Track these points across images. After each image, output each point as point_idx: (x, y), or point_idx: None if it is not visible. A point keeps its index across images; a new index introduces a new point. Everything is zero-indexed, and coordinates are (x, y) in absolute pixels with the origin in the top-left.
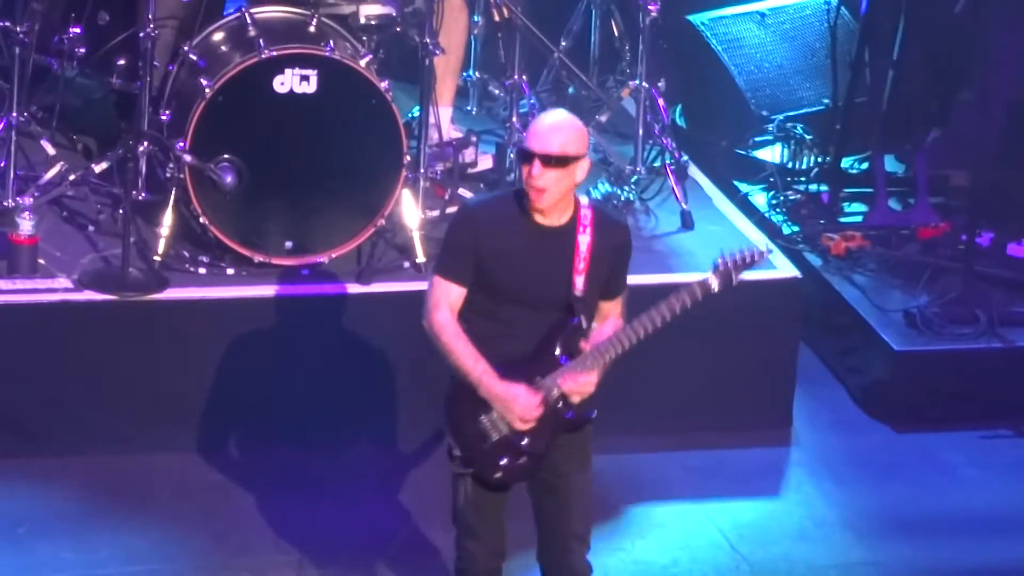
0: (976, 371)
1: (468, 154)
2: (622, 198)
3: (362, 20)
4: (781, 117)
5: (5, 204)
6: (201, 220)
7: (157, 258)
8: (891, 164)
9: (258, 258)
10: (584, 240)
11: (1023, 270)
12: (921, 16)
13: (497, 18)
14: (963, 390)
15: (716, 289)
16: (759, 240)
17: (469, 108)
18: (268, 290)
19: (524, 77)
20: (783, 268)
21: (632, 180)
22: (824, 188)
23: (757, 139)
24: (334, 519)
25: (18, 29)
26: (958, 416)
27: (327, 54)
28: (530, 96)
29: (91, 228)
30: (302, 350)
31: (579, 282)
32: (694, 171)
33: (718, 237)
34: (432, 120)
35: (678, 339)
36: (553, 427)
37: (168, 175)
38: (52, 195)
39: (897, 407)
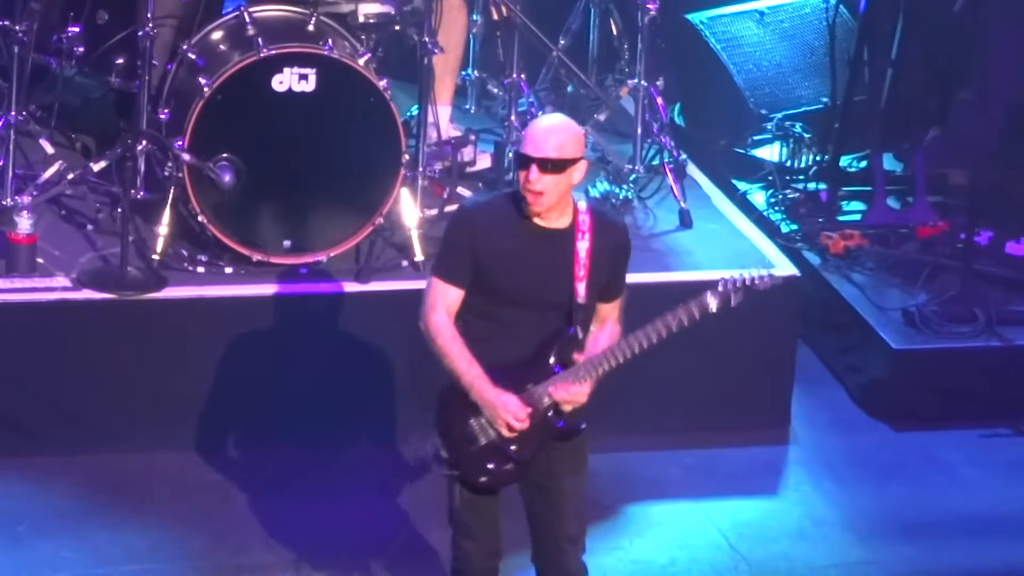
0: (975, 370)
1: (467, 153)
2: (621, 197)
3: (361, 19)
4: (780, 116)
5: (4, 203)
6: (200, 219)
7: (156, 257)
8: (890, 163)
9: (257, 257)
10: (583, 246)
11: (1022, 269)
12: (920, 15)
13: (496, 17)
14: (962, 389)
15: (714, 310)
16: (760, 242)
17: (468, 107)
18: (267, 289)
19: (523, 76)
20: (782, 267)
21: (631, 179)
22: (823, 187)
23: (756, 138)
24: (332, 518)
25: (17, 28)
26: (957, 415)
27: (326, 53)
28: (529, 95)
29: (90, 227)
30: (301, 349)
31: (581, 289)
32: (693, 170)
33: (717, 236)
34: (431, 119)
35: (676, 338)
36: (542, 436)
37: (167, 174)
38: (51, 194)
39: (896, 406)
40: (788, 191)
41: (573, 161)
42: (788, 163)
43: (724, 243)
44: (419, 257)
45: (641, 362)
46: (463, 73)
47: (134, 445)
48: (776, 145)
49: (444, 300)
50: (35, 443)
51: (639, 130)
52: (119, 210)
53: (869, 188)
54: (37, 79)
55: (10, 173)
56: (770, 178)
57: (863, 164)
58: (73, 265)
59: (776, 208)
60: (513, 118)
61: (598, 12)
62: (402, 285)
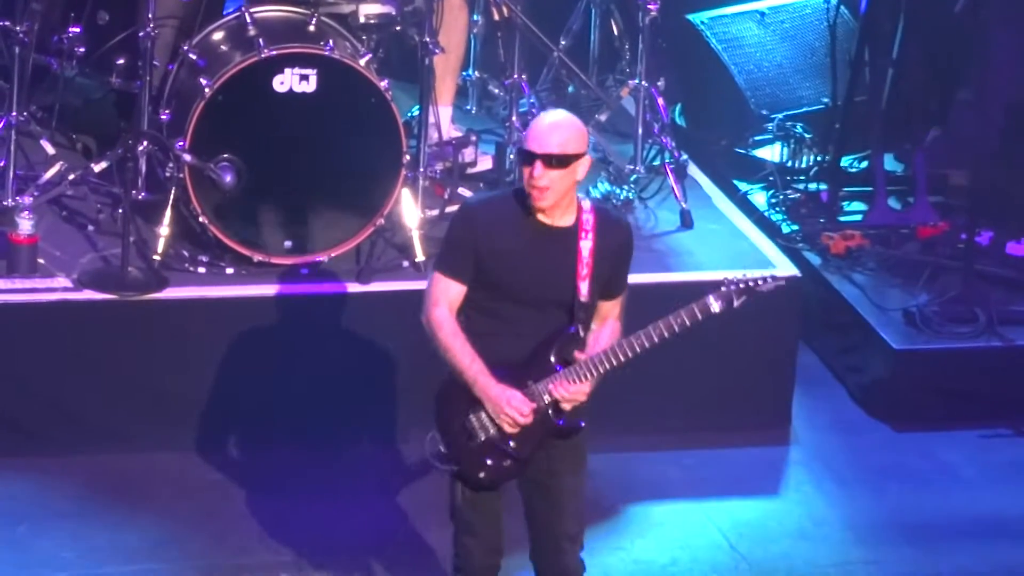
0: (975, 370)
1: (468, 153)
2: (621, 197)
3: (362, 19)
4: (780, 116)
5: (5, 203)
6: (200, 219)
7: (157, 257)
8: (890, 163)
9: (257, 257)
10: (586, 245)
11: (1022, 269)
12: (921, 15)
13: (497, 17)
14: (962, 389)
15: (717, 311)
16: (761, 242)
17: (469, 107)
18: (267, 289)
19: (524, 76)
20: (782, 267)
21: (631, 179)
22: (823, 187)
23: (757, 138)
24: (333, 518)
25: (18, 28)
26: (957, 415)
27: (327, 53)
28: (530, 95)
29: (90, 227)
30: (302, 349)
31: (583, 288)
32: (693, 170)
33: (717, 236)
34: (432, 119)
35: (677, 338)
36: (542, 433)
37: (168, 174)
38: (52, 194)
39: (896, 406)
40: (789, 191)
41: (577, 157)
42: (789, 163)
43: (725, 243)
44: (420, 258)
45: (642, 362)
46: (464, 74)
47: (134, 445)
48: (777, 145)
49: (446, 295)
50: (35, 443)
51: (640, 130)
52: (120, 211)
53: (870, 188)
54: (38, 80)
55: (11, 174)
56: (771, 178)
57: (864, 164)
58: (74, 266)
59: (777, 208)
60: (514, 119)
61: (599, 12)
62: (403, 286)
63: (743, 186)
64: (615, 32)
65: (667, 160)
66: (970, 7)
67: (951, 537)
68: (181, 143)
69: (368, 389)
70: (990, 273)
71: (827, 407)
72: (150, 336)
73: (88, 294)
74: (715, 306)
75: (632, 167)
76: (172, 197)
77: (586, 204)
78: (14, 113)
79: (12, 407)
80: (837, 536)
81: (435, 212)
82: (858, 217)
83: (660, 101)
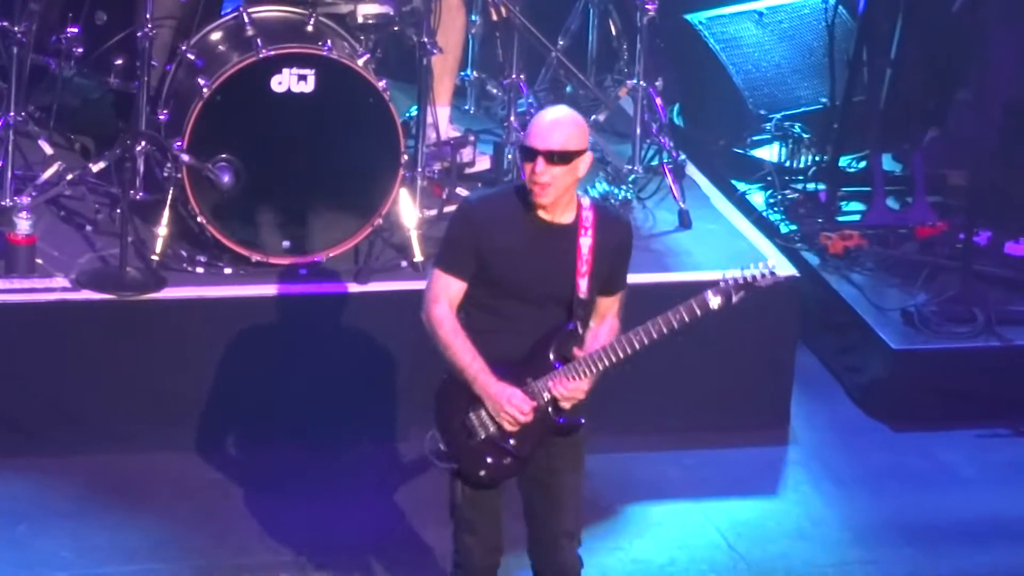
0: (974, 370)
1: (466, 153)
2: (620, 197)
3: (360, 19)
4: (779, 116)
5: (3, 204)
6: (199, 219)
7: (155, 257)
8: (889, 163)
9: (256, 257)
10: (586, 242)
11: (1021, 269)
12: (919, 15)
13: (495, 17)
14: (961, 389)
15: (715, 307)
16: (760, 242)
17: (467, 107)
18: (266, 289)
19: (522, 76)
20: (781, 267)
21: (630, 179)
22: (822, 187)
23: (755, 138)
24: (332, 518)
25: (16, 29)
26: (956, 415)
27: (325, 53)
28: (528, 95)
29: (89, 228)
30: (300, 349)
31: (583, 285)
32: (692, 170)
33: (716, 236)
34: (430, 119)
35: (676, 338)
36: (541, 431)
37: (166, 175)
38: (50, 195)
39: (895, 406)
40: (787, 191)
41: (579, 153)
42: (787, 163)
43: (723, 243)
44: (418, 258)
45: (641, 362)
46: (462, 74)
47: (134, 445)
48: (775, 145)
49: (447, 292)
50: (35, 443)
51: (638, 130)
52: (118, 211)
53: (868, 188)
54: (36, 80)
55: (9, 174)
56: (769, 178)
57: (862, 164)
58: (72, 266)
59: (775, 208)
60: (512, 119)
61: (597, 12)
62: (401, 286)
63: (741, 186)
64: (613, 32)
65: (665, 160)
66: (968, 6)
67: (950, 537)
68: (179, 143)
69: (367, 389)
70: (988, 273)
71: (826, 407)
72: (149, 336)
73: (86, 294)
74: (714, 302)
75: (630, 167)
76: (170, 197)
77: (585, 201)
78: (12, 113)
79: (11, 407)
80: (835, 536)
81: (433, 212)
82: (856, 217)
83: (658, 101)
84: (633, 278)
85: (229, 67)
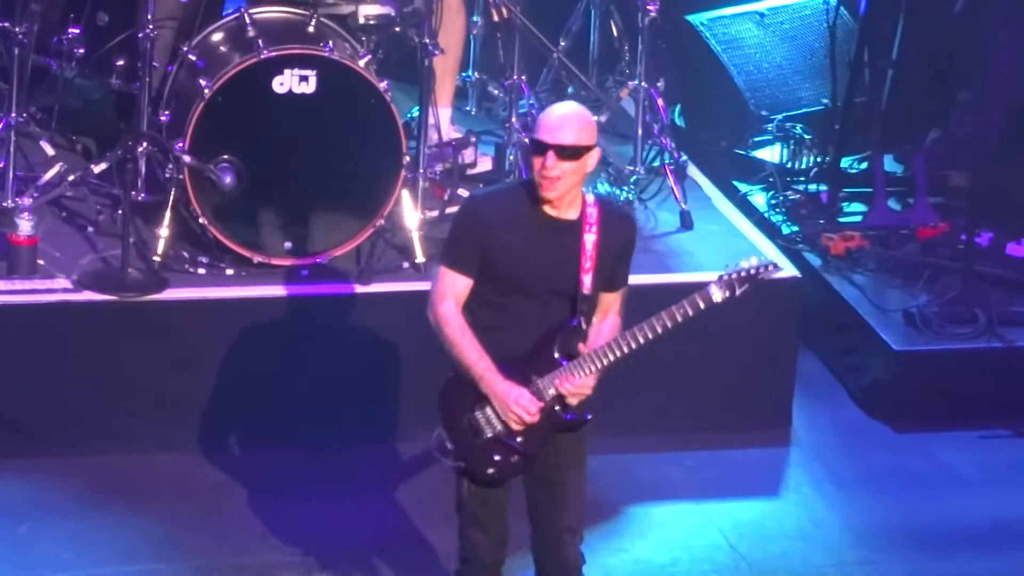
0: (975, 371)
1: (467, 154)
2: (621, 198)
3: (361, 20)
4: (780, 117)
5: (5, 205)
6: (200, 221)
7: (156, 258)
8: (890, 164)
9: (257, 258)
10: (590, 239)
11: (1022, 270)
12: (920, 16)
13: (496, 18)
14: (962, 390)
15: (718, 300)
16: (761, 243)
17: (468, 108)
18: (267, 290)
19: (523, 77)
20: (782, 268)
21: (631, 180)
22: (823, 188)
23: (756, 139)
24: (334, 518)
25: (17, 30)
26: (957, 416)
27: (326, 54)
28: (529, 96)
29: (90, 229)
30: (302, 350)
31: (587, 281)
32: (693, 171)
33: (717, 237)
34: (431, 120)
35: (677, 338)
36: (548, 428)
37: (167, 176)
38: (51, 196)
39: (896, 407)
40: (789, 192)
41: (588, 148)
42: (789, 164)
43: (725, 244)
44: (420, 259)
45: (642, 362)
46: (463, 75)
47: (135, 446)
48: (777, 146)
49: (453, 289)
50: (36, 444)
51: (640, 131)
52: (120, 212)
53: (870, 189)
54: (37, 81)
55: (11, 175)
56: (771, 179)
57: (864, 165)
58: (74, 267)
59: (777, 209)
60: (514, 120)
61: (598, 13)
62: (403, 287)
63: (743, 187)
64: (615, 33)
65: (667, 161)
66: (969, 7)
67: (951, 538)
68: (181, 144)
69: (368, 389)
70: (990, 274)
71: (827, 408)
72: (150, 337)
73: (88, 295)
74: (717, 295)
75: (632, 168)
76: (172, 198)
77: (589, 198)
78: (14, 114)
79: (12, 408)
80: (837, 537)
81: (435, 213)
82: (858, 218)
83: (660, 102)
84: (634, 279)
85: (230, 68)
